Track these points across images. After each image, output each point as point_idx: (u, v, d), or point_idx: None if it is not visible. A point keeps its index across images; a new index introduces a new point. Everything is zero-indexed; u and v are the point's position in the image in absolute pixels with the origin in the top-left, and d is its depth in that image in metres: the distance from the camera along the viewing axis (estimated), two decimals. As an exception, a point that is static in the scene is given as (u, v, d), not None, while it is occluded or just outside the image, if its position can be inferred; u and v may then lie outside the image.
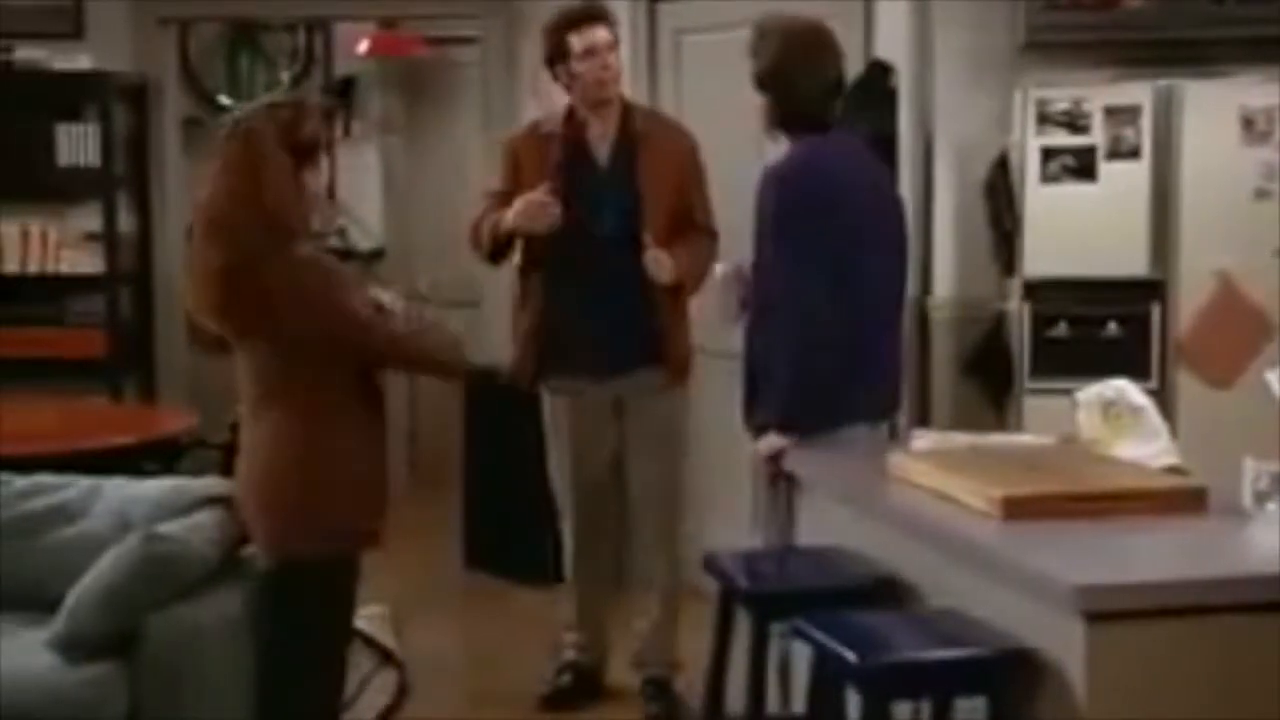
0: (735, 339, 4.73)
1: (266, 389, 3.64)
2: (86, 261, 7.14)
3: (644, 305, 5.01)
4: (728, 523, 6.23)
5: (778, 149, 4.18)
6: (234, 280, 3.59)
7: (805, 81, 4.02)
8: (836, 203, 3.94)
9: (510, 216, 4.96)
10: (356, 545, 3.75)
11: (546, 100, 5.57)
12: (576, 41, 4.99)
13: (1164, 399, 5.15)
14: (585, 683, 5.27)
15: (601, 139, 5.10)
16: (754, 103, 4.14)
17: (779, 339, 3.92)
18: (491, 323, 7.65)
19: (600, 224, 5.01)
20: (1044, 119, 5.45)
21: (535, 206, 4.92)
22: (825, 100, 4.06)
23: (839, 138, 4.12)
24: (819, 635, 3.00)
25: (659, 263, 4.94)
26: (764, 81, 4.06)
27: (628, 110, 5.17)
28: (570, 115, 5.13)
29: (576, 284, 5.01)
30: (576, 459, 5.18)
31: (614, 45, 5.05)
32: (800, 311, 3.87)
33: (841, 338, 3.87)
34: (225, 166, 3.66)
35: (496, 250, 5.12)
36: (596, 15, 5.05)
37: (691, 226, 5.09)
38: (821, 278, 3.87)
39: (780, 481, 4.01)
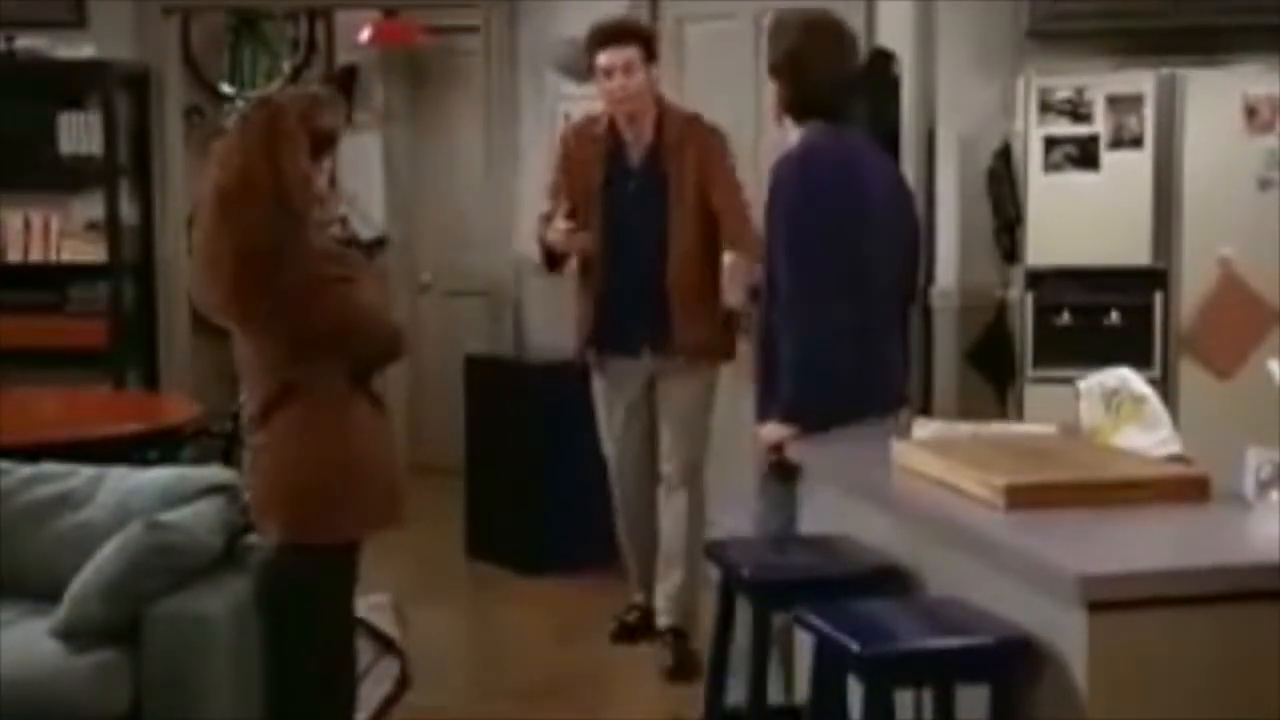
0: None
1: (279, 387, 3.66)
2: (89, 250, 7.15)
3: (665, 298, 5.31)
4: (731, 510, 6.25)
5: (782, 136, 4.19)
6: (244, 265, 3.57)
7: (818, 71, 4.04)
8: (849, 195, 3.95)
9: (552, 237, 5.36)
10: (370, 529, 3.84)
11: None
12: (601, 59, 5.30)
13: (1166, 388, 5.16)
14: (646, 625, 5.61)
15: (635, 145, 5.39)
16: (769, 90, 4.17)
17: (788, 330, 3.92)
18: (494, 312, 7.66)
19: (633, 224, 5.34)
20: (1046, 108, 5.44)
21: (567, 238, 5.32)
22: (837, 91, 4.08)
23: (849, 130, 4.13)
24: (821, 623, 3.00)
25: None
26: (778, 68, 4.09)
27: (663, 117, 5.39)
28: (611, 120, 5.42)
29: (612, 277, 5.39)
30: (617, 433, 5.54)
31: (633, 65, 5.27)
32: (810, 303, 3.87)
33: (851, 331, 3.87)
34: (241, 145, 3.64)
35: (551, 262, 5.50)
36: (618, 36, 5.32)
37: (730, 231, 5.20)
38: (833, 270, 3.87)
39: (780, 472, 4.01)
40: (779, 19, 4.20)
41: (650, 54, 5.35)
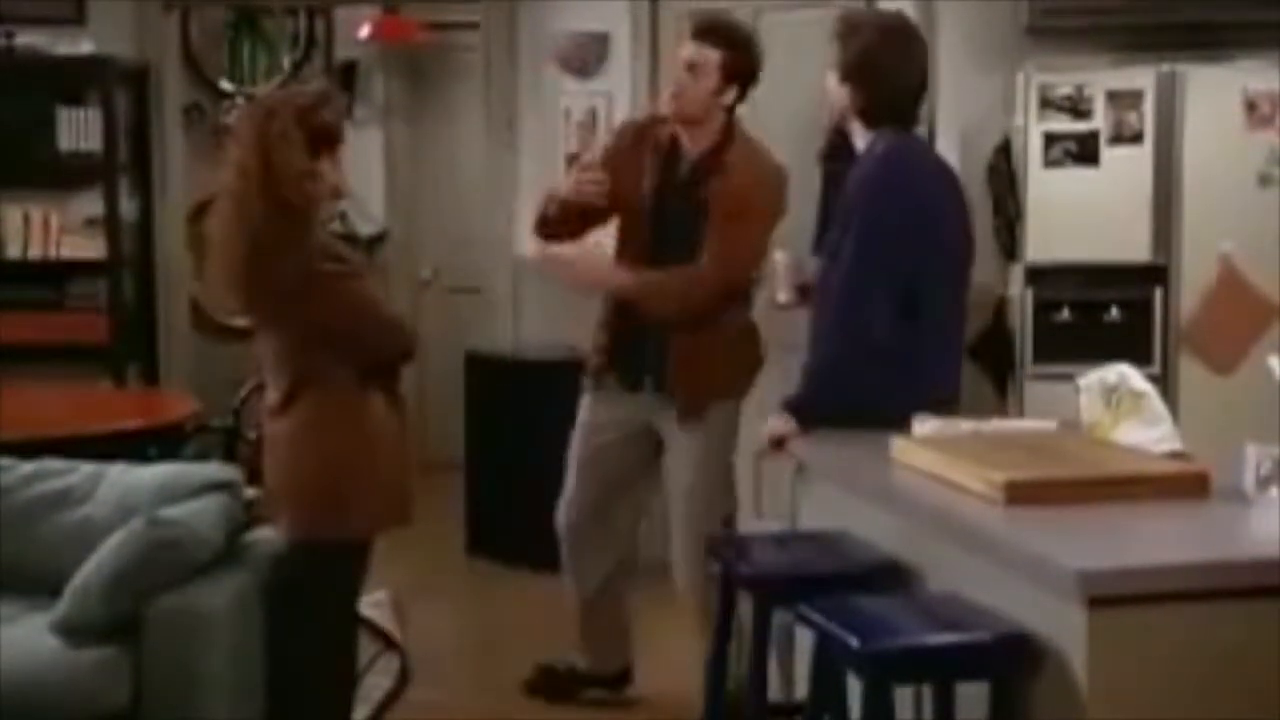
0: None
1: (293, 381, 3.73)
2: (88, 246, 7.15)
3: (671, 334, 4.78)
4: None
5: (858, 137, 4.03)
6: (251, 264, 3.65)
7: (894, 76, 3.91)
8: (923, 224, 3.83)
9: (565, 188, 4.84)
10: (382, 528, 3.90)
11: None
12: (681, 50, 4.83)
13: (1166, 384, 5.17)
14: None
15: (688, 155, 4.82)
16: (834, 92, 3.96)
17: (824, 334, 3.88)
18: (493, 309, 7.66)
19: (665, 236, 4.79)
20: (1046, 104, 5.45)
21: (583, 181, 4.78)
22: (912, 96, 3.98)
23: (918, 140, 4.03)
24: (821, 620, 3.00)
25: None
26: (850, 73, 3.91)
27: (727, 138, 4.81)
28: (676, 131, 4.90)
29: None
30: (584, 465, 5.07)
31: (702, 69, 4.69)
32: (855, 320, 3.81)
33: (888, 352, 3.79)
34: (238, 149, 3.71)
35: (545, 223, 4.91)
36: (703, 32, 4.77)
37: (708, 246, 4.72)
38: (888, 296, 3.79)
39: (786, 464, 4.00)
40: (849, 20, 4.03)
41: (734, 68, 4.71)
